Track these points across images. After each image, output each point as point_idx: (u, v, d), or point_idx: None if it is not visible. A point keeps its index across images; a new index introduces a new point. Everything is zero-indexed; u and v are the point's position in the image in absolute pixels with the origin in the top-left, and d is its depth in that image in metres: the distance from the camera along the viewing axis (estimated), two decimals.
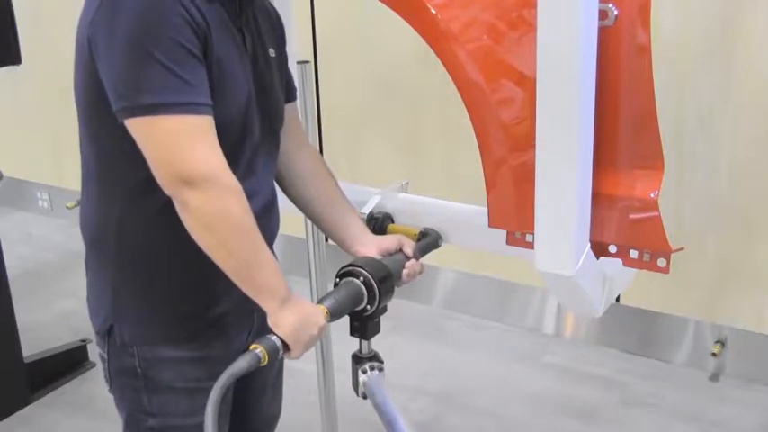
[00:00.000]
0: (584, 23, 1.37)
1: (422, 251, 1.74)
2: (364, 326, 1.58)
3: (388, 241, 1.71)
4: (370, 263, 1.57)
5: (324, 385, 2.48)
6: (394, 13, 1.59)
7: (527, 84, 1.49)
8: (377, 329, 1.61)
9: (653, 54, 1.46)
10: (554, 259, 1.52)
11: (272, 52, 1.61)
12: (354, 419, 2.69)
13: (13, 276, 3.18)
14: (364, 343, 1.63)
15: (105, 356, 1.58)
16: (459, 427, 3.03)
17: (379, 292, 1.54)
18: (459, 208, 1.91)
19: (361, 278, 1.54)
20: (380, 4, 1.59)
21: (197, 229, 1.37)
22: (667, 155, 1.51)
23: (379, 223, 1.87)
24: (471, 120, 1.57)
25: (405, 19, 1.58)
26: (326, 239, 2.83)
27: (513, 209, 1.60)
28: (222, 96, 1.42)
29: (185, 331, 1.54)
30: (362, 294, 1.54)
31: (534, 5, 1.39)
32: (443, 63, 1.56)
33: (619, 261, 1.59)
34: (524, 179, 1.53)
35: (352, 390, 1.66)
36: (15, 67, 2.95)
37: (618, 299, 3.34)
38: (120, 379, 1.58)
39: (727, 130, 3.01)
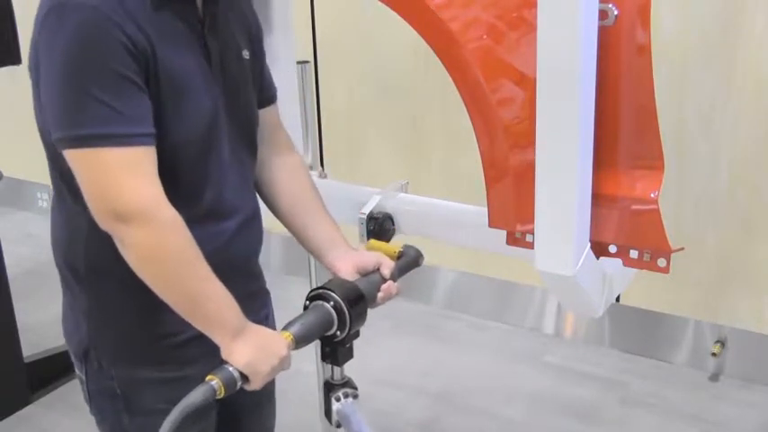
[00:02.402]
0: (584, 23, 1.37)
1: (400, 271, 1.64)
2: (335, 352, 1.51)
3: (366, 258, 1.61)
4: (341, 286, 1.50)
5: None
6: (394, 13, 1.59)
7: (527, 84, 1.49)
8: (349, 355, 1.54)
9: (653, 54, 1.46)
10: (554, 259, 1.52)
11: (245, 54, 1.54)
12: None
13: (12, 276, 3.18)
14: (336, 369, 1.57)
15: (84, 378, 1.54)
16: (459, 427, 3.03)
17: (350, 317, 1.47)
18: (459, 208, 1.91)
19: (332, 302, 1.46)
20: (380, 4, 1.59)
21: (136, 265, 1.33)
22: (667, 155, 1.51)
23: (379, 223, 1.87)
24: (471, 120, 1.57)
25: (405, 19, 1.58)
26: None
27: (513, 209, 1.60)
28: (180, 114, 1.37)
29: (162, 353, 1.49)
30: (332, 319, 1.46)
31: (534, 5, 1.39)
32: (443, 63, 1.56)
33: (619, 261, 1.59)
34: (524, 179, 1.53)
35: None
36: (15, 66, 2.95)
37: (618, 299, 3.34)
38: (99, 400, 1.54)
39: (727, 130, 3.01)
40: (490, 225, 1.64)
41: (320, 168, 2.18)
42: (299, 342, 1.42)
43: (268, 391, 1.78)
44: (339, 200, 2.03)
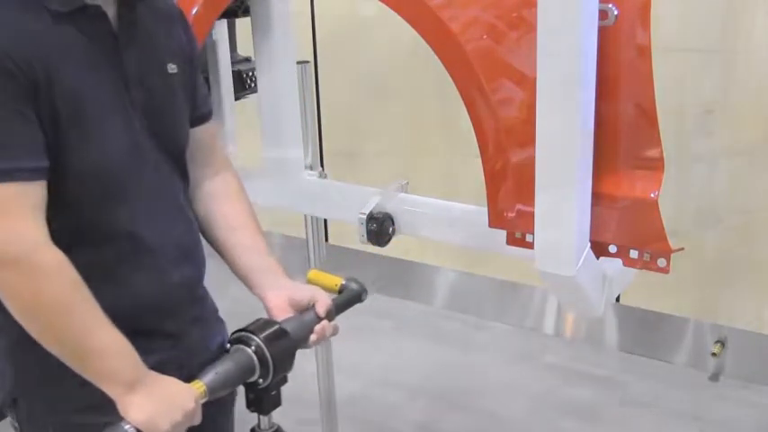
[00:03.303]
0: (585, 23, 1.37)
1: (339, 308, 1.50)
2: (260, 399, 1.38)
3: (300, 293, 1.47)
4: (264, 328, 1.36)
5: (324, 385, 2.48)
6: (394, 13, 1.59)
7: (527, 84, 1.49)
8: (277, 402, 1.40)
9: (653, 53, 1.46)
10: (554, 259, 1.51)
11: (172, 68, 1.41)
12: (354, 419, 2.69)
13: None
14: (263, 418, 1.44)
15: (17, 426, 1.41)
16: (459, 426, 3.03)
17: (274, 363, 1.33)
18: (459, 208, 1.90)
19: (253, 347, 1.33)
20: (381, 4, 1.58)
21: (17, 314, 1.20)
22: (667, 154, 1.51)
23: (379, 223, 1.87)
24: (471, 119, 1.57)
25: (405, 19, 1.58)
26: (327, 239, 2.83)
27: (512, 209, 1.60)
28: (87, 140, 1.25)
29: (95, 396, 1.29)
30: (254, 366, 1.33)
31: (534, 5, 1.39)
32: (443, 63, 1.56)
33: (619, 261, 1.59)
34: (524, 179, 1.53)
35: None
36: None
37: (618, 299, 3.34)
38: None
39: (727, 130, 3.01)
40: (490, 225, 1.64)
41: (320, 168, 2.18)
42: (214, 392, 1.30)
43: (223, 402, 1.57)
44: (339, 200, 2.03)
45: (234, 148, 2.18)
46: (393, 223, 1.90)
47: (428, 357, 3.46)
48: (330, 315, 1.47)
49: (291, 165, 2.11)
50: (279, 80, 2.08)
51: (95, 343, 1.23)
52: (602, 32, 1.42)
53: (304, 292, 1.48)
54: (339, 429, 2.58)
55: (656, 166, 1.51)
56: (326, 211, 2.22)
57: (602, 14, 1.42)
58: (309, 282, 1.57)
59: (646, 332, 3.40)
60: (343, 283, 1.55)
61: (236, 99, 2.20)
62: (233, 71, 2.17)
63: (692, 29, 2.98)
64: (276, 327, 1.38)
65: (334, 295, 1.54)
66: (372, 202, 1.90)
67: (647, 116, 1.49)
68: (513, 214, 1.60)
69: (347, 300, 1.54)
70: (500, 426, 3.01)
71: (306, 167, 2.13)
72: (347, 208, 1.92)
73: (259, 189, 1.86)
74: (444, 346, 3.55)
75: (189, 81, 1.47)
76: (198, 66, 1.52)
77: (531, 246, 1.58)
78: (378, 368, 3.30)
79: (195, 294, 1.50)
